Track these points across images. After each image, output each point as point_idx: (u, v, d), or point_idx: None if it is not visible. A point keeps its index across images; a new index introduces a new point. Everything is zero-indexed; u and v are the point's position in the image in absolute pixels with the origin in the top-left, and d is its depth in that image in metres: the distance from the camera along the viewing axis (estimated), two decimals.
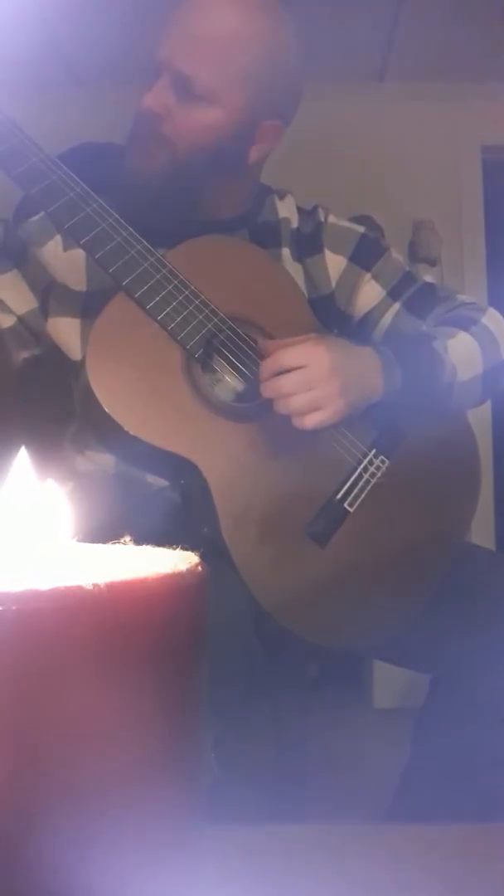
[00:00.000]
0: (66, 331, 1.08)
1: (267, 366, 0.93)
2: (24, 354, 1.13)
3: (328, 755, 1.72)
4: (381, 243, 1.18)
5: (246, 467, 0.97)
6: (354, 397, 0.95)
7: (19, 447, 0.33)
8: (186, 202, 1.04)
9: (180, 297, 0.97)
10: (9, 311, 1.08)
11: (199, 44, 0.98)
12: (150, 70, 1.01)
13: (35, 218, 1.07)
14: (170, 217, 1.04)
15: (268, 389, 0.92)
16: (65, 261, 1.07)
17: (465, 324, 1.08)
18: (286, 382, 0.92)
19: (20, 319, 1.09)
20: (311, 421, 0.93)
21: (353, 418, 0.98)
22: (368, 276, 1.14)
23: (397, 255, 1.18)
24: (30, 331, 1.10)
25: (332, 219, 1.16)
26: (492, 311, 1.13)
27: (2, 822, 0.25)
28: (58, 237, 1.07)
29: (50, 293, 1.09)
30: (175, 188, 1.02)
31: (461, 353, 1.05)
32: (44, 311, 1.09)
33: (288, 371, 0.92)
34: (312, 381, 0.92)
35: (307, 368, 0.92)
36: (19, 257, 1.08)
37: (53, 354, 1.11)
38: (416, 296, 1.14)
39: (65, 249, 1.07)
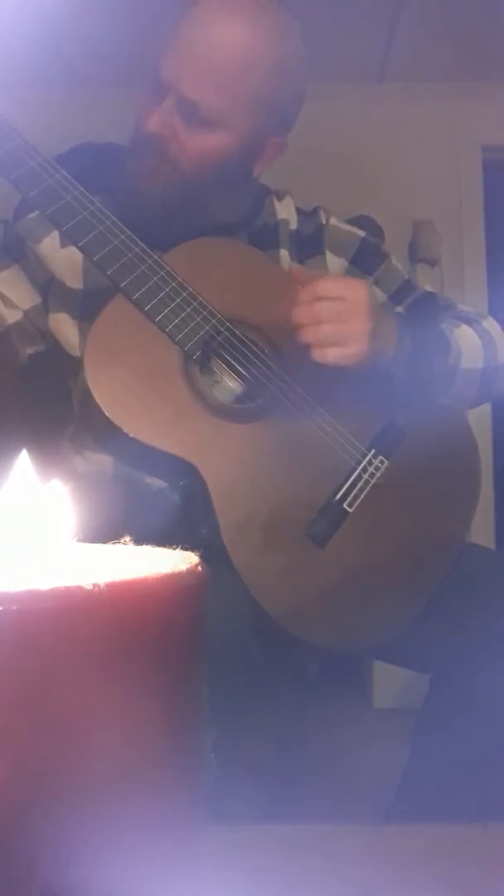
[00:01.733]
0: (65, 327, 1.08)
1: (307, 291, 0.91)
2: (30, 350, 1.13)
3: (328, 755, 1.72)
4: (382, 250, 1.18)
5: (245, 468, 0.97)
6: (376, 347, 0.94)
7: (20, 446, 0.33)
8: (188, 212, 1.04)
9: (178, 299, 0.97)
10: (14, 306, 1.08)
11: (207, 69, 0.95)
12: (154, 86, 0.98)
13: (32, 215, 1.06)
14: (170, 223, 1.03)
15: (302, 313, 0.91)
16: (62, 258, 1.06)
17: (468, 320, 1.10)
18: (322, 309, 0.90)
19: (25, 315, 1.09)
20: (332, 354, 0.91)
21: (357, 390, 0.97)
22: (370, 281, 1.13)
23: (397, 263, 1.18)
24: (35, 327, 1.10)
25: (333, 221, 1.16)
26: (491, 319, 1.15)
27: (2, 822, 0.25)
28: (55, 232, 1.06)
29: (50, 289, 1.09)
30: (179, 203, 1.01)
31: (465, 341, 1.06)
32: (45, 306, 1.09)
33: (326, 300, 0.90)
34: (347, 314, 0.90)
35: (345, 301, 0.91)
36: (18, 252, 1.08)
37: (55, 352, 1.11)
38: (416, 303, 1.15)
39: (62, 246, 1.06)
